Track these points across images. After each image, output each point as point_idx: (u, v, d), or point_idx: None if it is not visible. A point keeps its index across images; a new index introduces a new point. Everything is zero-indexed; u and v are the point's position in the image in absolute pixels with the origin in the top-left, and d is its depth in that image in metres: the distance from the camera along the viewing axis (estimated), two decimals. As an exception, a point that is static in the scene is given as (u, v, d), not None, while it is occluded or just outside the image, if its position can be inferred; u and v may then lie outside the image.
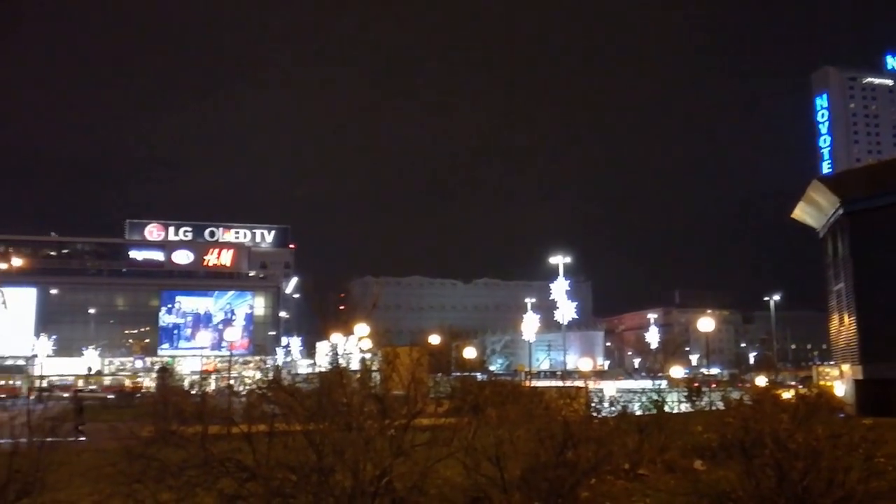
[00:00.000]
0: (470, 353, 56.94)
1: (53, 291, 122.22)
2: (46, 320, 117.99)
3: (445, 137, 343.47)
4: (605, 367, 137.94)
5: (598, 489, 13.24)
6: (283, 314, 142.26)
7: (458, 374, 26.44)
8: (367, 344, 26.27)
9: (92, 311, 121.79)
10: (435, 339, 53.16)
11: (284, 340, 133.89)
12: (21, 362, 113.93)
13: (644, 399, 22.23)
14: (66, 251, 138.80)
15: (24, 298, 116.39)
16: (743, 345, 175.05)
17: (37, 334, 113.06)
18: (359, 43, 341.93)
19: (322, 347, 67.14)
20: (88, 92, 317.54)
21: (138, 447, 11.38)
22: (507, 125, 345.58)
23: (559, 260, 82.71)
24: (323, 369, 15.74)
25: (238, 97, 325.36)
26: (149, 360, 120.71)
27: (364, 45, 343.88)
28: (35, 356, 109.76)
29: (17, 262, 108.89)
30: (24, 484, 11.28)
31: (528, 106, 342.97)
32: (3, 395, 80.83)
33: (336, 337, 25.09)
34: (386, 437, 11.16)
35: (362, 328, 29.79)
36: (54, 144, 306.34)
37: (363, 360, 17.28)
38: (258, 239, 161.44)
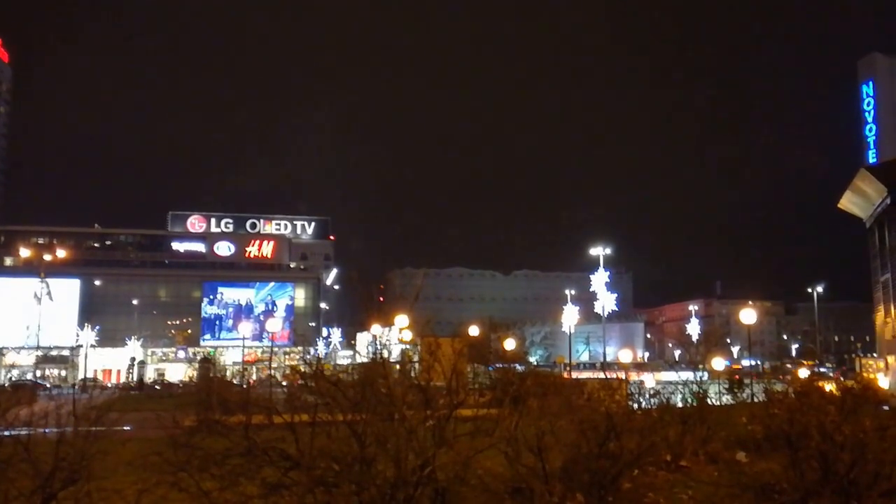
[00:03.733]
0: (510, 344, 56.75)
1: (97, 283, 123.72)
2: (90, 311, 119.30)
3: (485, 129, 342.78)
4: (646, 359, 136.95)
5: (640, 480, 13.15)
6: (323, 305, 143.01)
7: (499, 365, 26.38)
8: (408, 335, 26.29)
9: (135, 302, 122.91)
10: (474, 331, 52.93)
11: (325, 331, 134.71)
12: (66, 353, 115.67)
13: (686, 391, 22.10)
14: (109, 243, 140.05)
15: (68, 289, 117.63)
16: (785, 336, 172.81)
17: (81, 325, 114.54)
18: (396, 39, 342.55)
19: (362, 338, 67.45)
20: (133, 87, 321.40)
21: (182, 436, 11.50)
22: (548, 118, 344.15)
23: (599, 251, 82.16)
24: (363, 360, 15.79)
25: (279, 93, 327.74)
26: (191, 350, 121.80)
27: (400, 41, 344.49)
28: (79, 347, 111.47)
29: (61, 253, 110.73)
30: (69, 472, 11.38)
31: (568, 98, 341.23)
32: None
33: (376, 328, 25.12)
34: (428, 427, 11.17)
35: (402, 319, 29.76)
36: (98, 137, 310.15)
37: (404, 351, 17.32)
38: (299, 231, 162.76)
